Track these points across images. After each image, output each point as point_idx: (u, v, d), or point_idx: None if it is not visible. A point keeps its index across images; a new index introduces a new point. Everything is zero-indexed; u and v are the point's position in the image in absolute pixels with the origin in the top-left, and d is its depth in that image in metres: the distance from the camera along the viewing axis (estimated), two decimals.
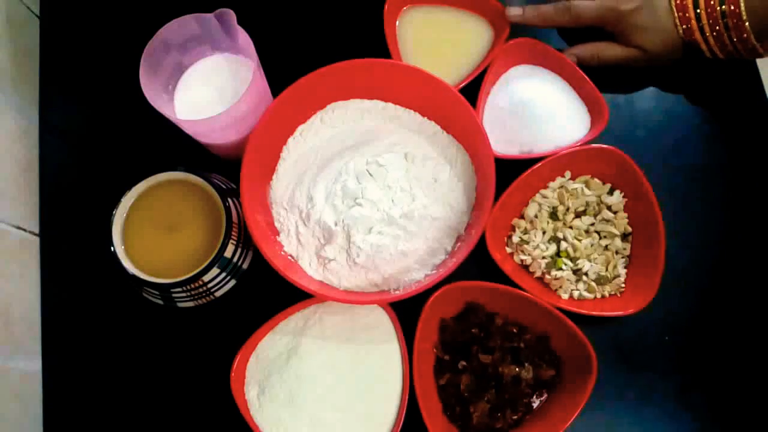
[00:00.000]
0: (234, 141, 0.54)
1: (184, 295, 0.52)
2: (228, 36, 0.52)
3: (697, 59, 0.59)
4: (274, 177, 0.57)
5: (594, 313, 0.53)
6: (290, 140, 0.57)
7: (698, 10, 0.54)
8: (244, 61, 0.54)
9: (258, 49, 0.50)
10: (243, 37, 0.50)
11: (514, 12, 0.60)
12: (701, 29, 0.55)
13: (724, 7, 0.53)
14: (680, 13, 0.55)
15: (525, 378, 0.52)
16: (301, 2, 0.66)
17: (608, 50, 0.59)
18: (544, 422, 0.51)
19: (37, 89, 0.64)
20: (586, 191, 0.57)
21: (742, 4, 0.52)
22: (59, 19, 0.66)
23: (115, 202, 0.52)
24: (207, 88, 0.55)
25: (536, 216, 0.57)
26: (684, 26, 0.55)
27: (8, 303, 0.54)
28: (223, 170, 0.57)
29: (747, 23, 0.53)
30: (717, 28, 0.54)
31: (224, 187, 0.54)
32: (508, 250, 0.57)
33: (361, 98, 0.58)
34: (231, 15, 0.49)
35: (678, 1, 0.55)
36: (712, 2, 0.54)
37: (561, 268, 0.55)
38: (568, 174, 0.58)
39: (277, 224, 0.55)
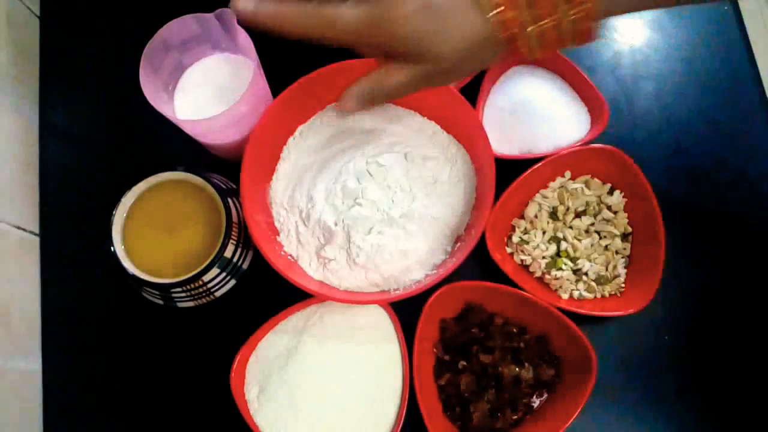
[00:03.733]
0: (234, 141, 0.54)
1: (184, 295, 0.52)
2: (228, 36, 0.52)
3: (699, 57, 0.59)
4: (274, 177, 0.57)
5: (594, 313, 0.53)
6: (290, 140, 0.57)
7: None
8: (244, 61, 0.54)
9: (258, 49, 0.50)
10: (243, 37, 0.50)
11: (243, 4, 0.42)
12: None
13: None
14: None
15: (525, 378, 0.52)
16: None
17: (390, 76, 0.43)
18: (544, 422, 0.51)
19: (37, 89, 0.64)
20: (586, 191, 0.57)
21: None
22: (59, 19, 0.66)
23: (115, 202, 0.52)
24: (207, 88, 0.54)
25: (536, 216, 0.57)
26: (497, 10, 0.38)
27: (8, 303, 0.54)
28: (223, 170, 0.57)
29: None
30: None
31: (224, 187, 0.54)
32: (508, 250, 0.57)
33: None
34: (231, 15, 0.49)
35: None
36: None
37: (561, 268, 0.55)
38: (568, 174, 0.58)
39: (277, 224, 0.55)
